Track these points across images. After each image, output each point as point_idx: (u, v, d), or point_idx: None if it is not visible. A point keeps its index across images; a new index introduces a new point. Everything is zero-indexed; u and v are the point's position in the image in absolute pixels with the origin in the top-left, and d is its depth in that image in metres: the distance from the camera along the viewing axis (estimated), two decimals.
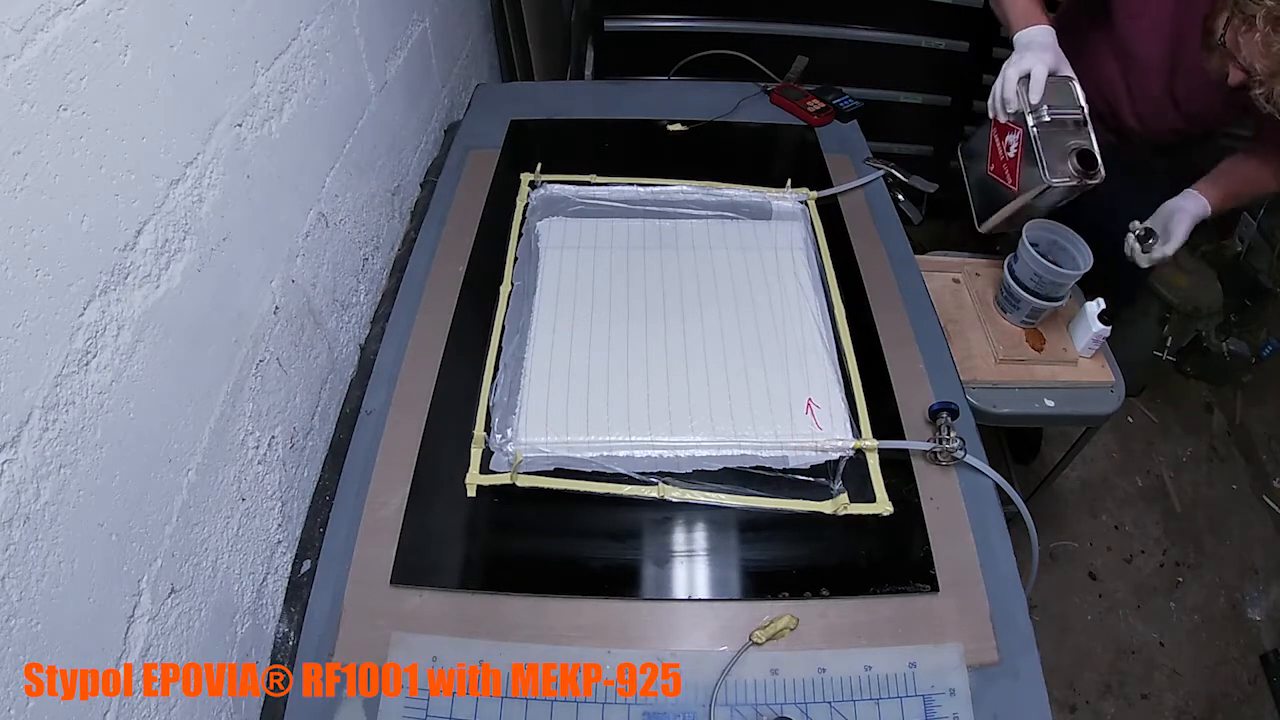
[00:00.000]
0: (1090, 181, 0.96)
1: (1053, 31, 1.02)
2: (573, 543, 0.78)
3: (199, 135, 0.62)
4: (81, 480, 0.49)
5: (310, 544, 0.80)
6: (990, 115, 1.05)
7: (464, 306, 0.98)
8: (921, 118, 2.05)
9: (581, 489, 0.79)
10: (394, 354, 0.92)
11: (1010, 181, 1.03)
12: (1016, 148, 1.00)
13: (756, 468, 0.82)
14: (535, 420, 0.84)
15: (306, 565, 0.78)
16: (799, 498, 0.79)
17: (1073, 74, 0.99)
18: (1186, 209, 1.15)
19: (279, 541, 0.77)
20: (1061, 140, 0.97)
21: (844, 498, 0.79)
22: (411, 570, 0.74)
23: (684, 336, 0.94)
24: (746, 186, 1.16)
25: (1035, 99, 0.97)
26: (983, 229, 1.13)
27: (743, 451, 0.82)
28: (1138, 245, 1.18)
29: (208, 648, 0.64)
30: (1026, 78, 0.98)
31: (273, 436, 0.76)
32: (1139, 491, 1.87)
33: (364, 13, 0.95)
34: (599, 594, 0.73)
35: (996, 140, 1.05)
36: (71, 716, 0.48)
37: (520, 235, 1.08)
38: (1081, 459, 1.85)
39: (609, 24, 1.80)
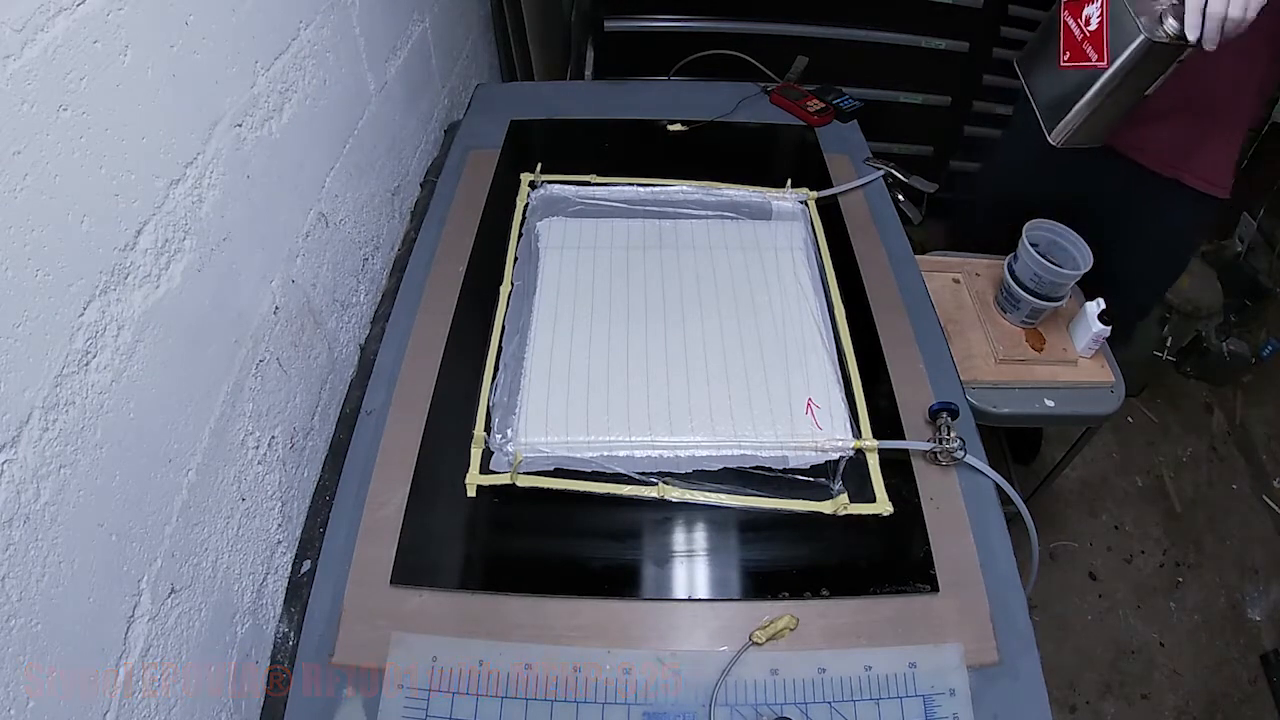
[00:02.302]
0: (1189, 47, 0.87)
1: None
2: (573, 543, 0.78)
3: (199, 135, 0.62)
4: (81, 480, 0.49)
5: (310, 544, 0.80)
6: None
7: (464, 306, 0.98)
8: (921, 118, 2.05)
9: (581, 489, 0.79)
10: (394, 354, 0.92)
11: (1097, 58, 0.93)
12: (1099, 17, 0.93)
13: (756, 468, 0.82)
14: (535, 420, 0.84)
15: (306, 565, 0.78)
16: (799, 498, 0.79)
17: None
18: None
19: (279, 541, 0.77)
20: (1148, 2, 0.89)
21: (844, 498, 0.79)
22: (411, 570, 0.74)
23: (684, 336, 0.94)
24: (746, 186, 1.16)
25: None
26: (1057, 138, 1.02)
27: (743, 451, 0.82)
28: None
29: (208, 648, 0.64)
30: None
31: (273, 436, 0.76)
32: (1139, 491, 1.87)
33: (364, 13, 0.95)
34: (599, 594, 0.73)
35: (1070, 22, 0.96)
36: (71, 716, 0.48)
37: (520, 235, 1.08)
38: (1081, 459, 1.86)
39: (609, 24, 1.80)
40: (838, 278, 1.03)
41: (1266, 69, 1.08)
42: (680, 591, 0.74)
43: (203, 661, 0.63)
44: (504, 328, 0.95)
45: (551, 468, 0.81)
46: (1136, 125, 1.19)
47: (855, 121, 1.34)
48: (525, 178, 1.16)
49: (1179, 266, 1.39)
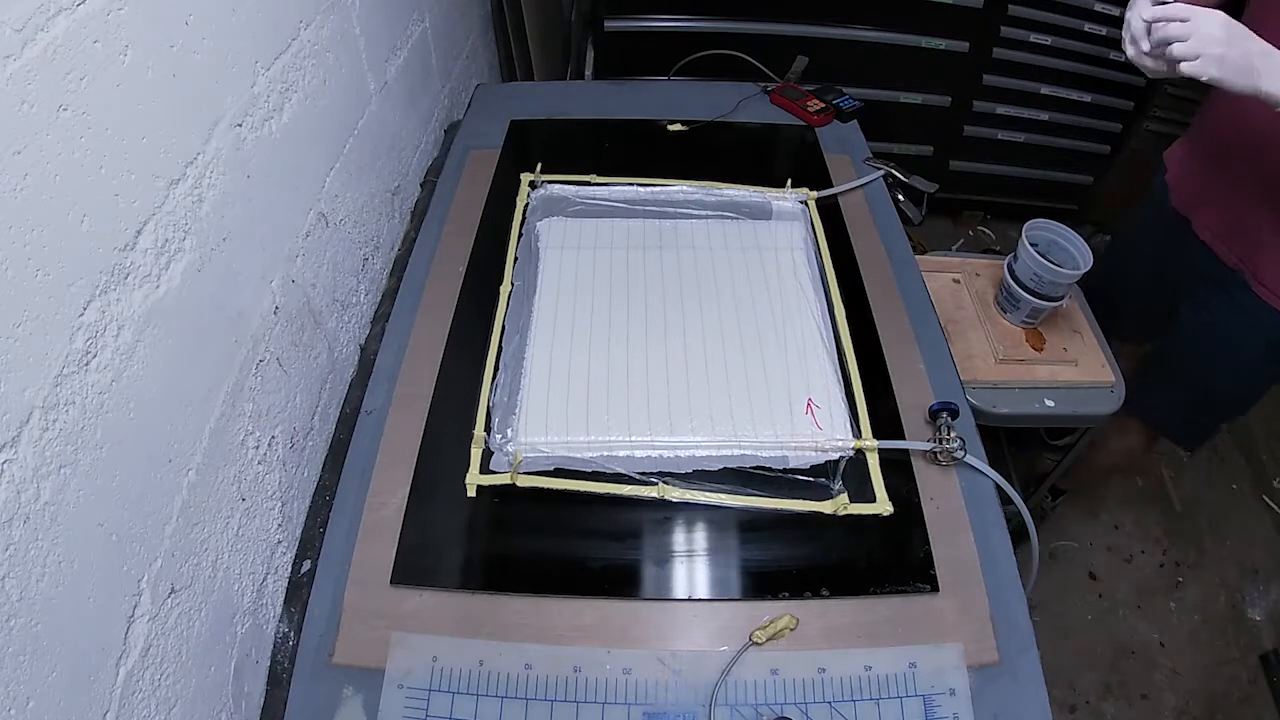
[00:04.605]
0: None
1: None
2: (573, 543, 0.78)
3: (199, 135, 0.62)
4: (81, 480, 0.49)
5: (310, 544, 0.80)
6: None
7: (464, 306, 0.98)
8: (921, 118, 2.06)
9: (581, 489, 0.79)
10: (394, 354, 0.92)
11: None
12: None
13: (756, 468, 0.82)
14: (535, 420, 0.84)
15: (306, 565, 0.78)
16: (799, 498, 0.79)
17: None
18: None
19: (279, 541, 0.77)
20: None
21: (844, 498, 0.79)
22: (411, 570, 0.74)
23: (684, 336, 0.94)
24: (746, 186, 1.16)
25: None
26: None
27: (743, 451, 0.82)
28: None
29: (208, 648, 0.64)
30: None
31: (273, 436, 0.76)
32: (1139, 491, 1.87)
33: (364, 13, 0.95)
34: (599, 594, 0.73)
35: None
36: (71, 716, 0.48)
37: (520, 235, 1.08)
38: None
39: (609, 24, 1.80)
40: (838, 278, 1.03)
41: None
42: (680, 591, 0.74)
43: (203, 661, 0.63)
44: (504, 328, 0.95)
45: (552, 468, 0.81)
46: (1219, 206, 1.11)
47: (855, 121, 1.34)
48: (525, 178, 1.16)
49: (1251, 386, 1.22)
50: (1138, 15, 0.86)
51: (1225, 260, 1.12)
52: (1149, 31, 0.86)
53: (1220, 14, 0.82)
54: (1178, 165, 1.19)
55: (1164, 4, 0.84)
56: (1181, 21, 0.82)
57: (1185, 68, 0.83)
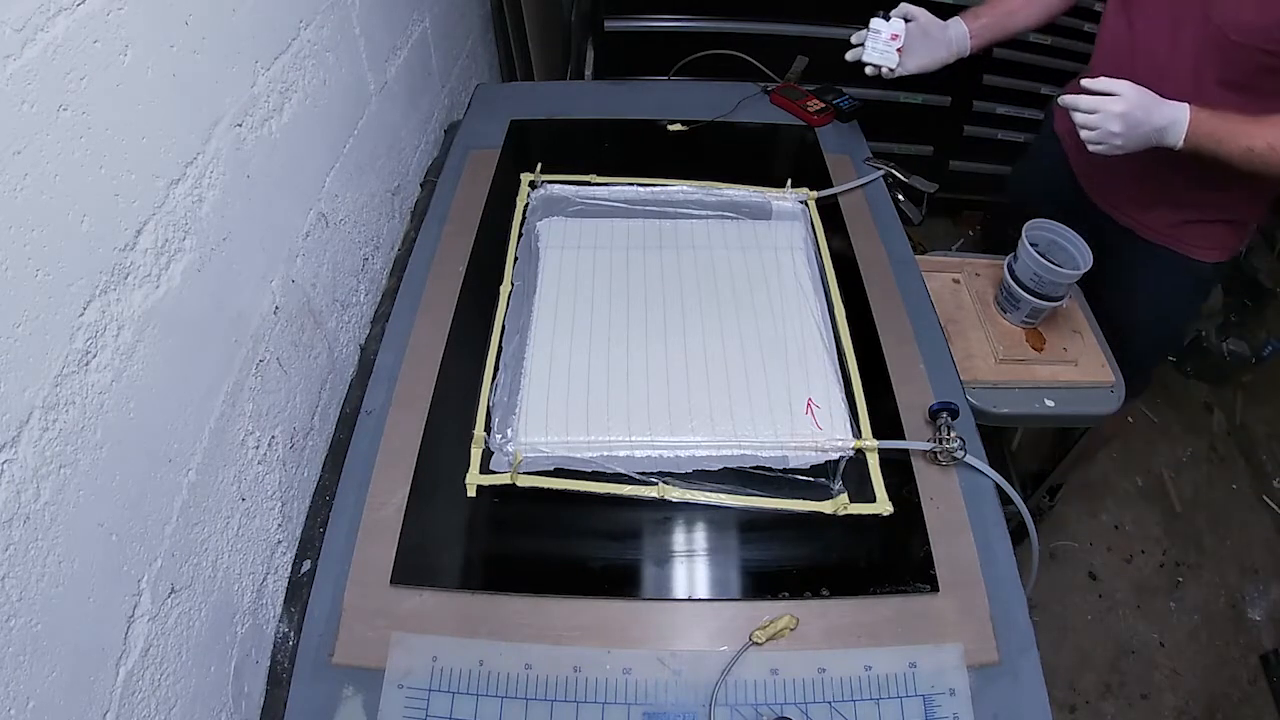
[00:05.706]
0: None
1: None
2: (573, 543, 0.78)
3: (199, 135, 0.62)
4: (81, 480, 0.49)
5: (310, 544, 0.80)
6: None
7: (464, 306, 0.98)
8: (921, 118, 2.06)
9: (581, 489, 0.79)
10: (394, 354, 0.92)
11: None
12: None
13: (756, 468, 0.82)
14: (535, 420, 0.84)
15: (306, 565, 0.78)
16: (799, 498, 0.79)
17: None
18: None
19: (279, 541, 0.77)
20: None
21: (844, 498, 0.79)
22: (411, 570, 0.74)
23: (684, 336, 0.94)
24: (746, 186, 1.16)
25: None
26: None
27: (743, 451, 0.82)
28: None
29: (208, 648, 0.64)
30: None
31: (273, 436, 0.76)
32: (1139, 491, 1.87)
33: (364, 13, 0.95)
34: (599, 594, 0.73)
35: None
36: (71, 716, 0.48)
37: (520, 235, 1.08)
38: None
39: (609, 24, 1.80)
40: (838, 278, 1.03)
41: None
42: (680, 591, 0.74)
43: (203, 661, 0.63)
44: (504, 328, 0.95)
45: (552, 468, 0.81)
46: (1134, 205, 1.17)
47: (855, 121, 1.34)
48: (525, 178, 1.16)
49: (1176, 320, 1.34)
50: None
51: (1108, 212, 1.20)
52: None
53: (1121, 103, 0.91)
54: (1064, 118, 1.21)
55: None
56: (1087, 113, 0.94)
57: (1090, 148, 0.96)
